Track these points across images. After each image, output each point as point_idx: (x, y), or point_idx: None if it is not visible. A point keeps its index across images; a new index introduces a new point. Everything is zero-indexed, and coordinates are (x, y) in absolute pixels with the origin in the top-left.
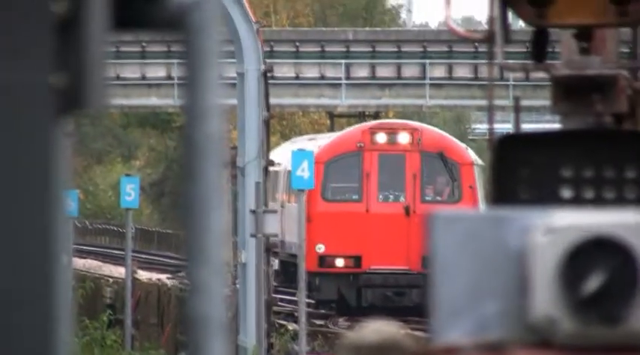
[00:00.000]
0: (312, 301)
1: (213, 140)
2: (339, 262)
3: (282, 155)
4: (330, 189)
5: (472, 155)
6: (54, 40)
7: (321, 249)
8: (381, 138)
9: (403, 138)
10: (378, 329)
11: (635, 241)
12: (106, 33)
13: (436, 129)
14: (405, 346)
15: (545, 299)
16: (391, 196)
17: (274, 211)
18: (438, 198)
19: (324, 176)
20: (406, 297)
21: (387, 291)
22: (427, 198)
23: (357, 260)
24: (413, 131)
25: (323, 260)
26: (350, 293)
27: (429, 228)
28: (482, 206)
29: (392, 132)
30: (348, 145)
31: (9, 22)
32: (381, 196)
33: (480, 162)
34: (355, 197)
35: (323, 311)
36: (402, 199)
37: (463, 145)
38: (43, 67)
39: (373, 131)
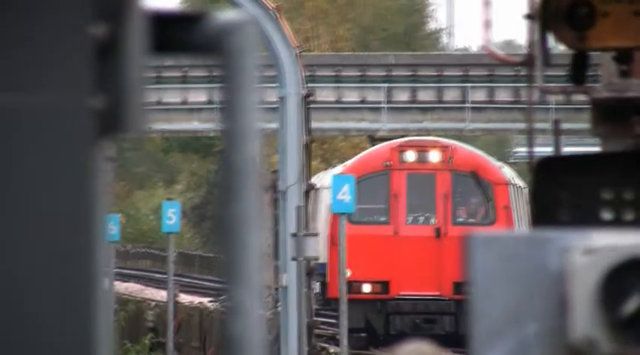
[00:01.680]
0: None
1: (252, 162)
2: (366, 288)
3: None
4: (356, 211)
5: (507, 174)
6: (93, 62)
7: (347, 274)
8: (410, 156)
9: (433, 156)
10: (417, 348)
11: None
12: (144, 56)
13: (468, 147)
14: None
15: (584, 321)
16: (421, 218)
17: (315, 234)
18: (471, 220)
19: None
20: (437, 325)
21: (416, 318)
22: (459, 220)
23: (385, 285)
24: (444, 149)
25: (349, 285)
26: (378, 321)
27: (466, 250)
28: (517, 227)
29: (422, 150)
30: (375, 164)
31: (48, 44)
32: (410, 218)
33: (516, 181)
34: (383, 219)
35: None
36: (432, 221)
37: (498, 164)
38: (82, 90)
39: (402, 149)
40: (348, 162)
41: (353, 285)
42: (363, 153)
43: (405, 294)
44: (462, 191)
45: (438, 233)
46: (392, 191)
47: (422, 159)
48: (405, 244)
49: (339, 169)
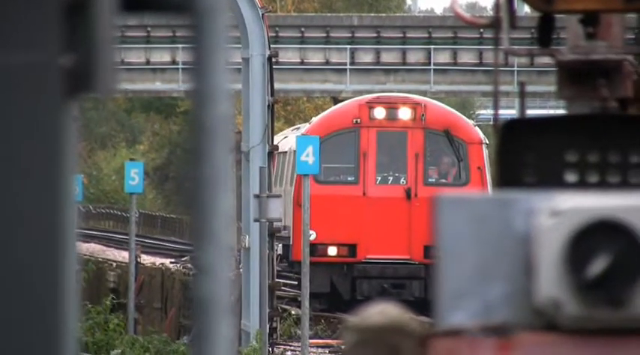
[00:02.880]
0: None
1: (221, 122)
2: (332, 251)
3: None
4: (323, 170)
5: (481, 134)
6: (63, 21)
7: (312, 236)
8: (380, 113)
9: (404, 113)
10: (382, 311)
11: (639, 224)
12: (114, 15)
13: (441, 105)
14: (409, 328)
15: (550, 282)
16: (391, 178)
17: (278, 196)
18: (443, 181)
19: None
20: (406, 290)
21: (384, 283)
22: (431, 181)
23: (352, 249)
24: (415, 106)
25: (314, 248)
26: (343, 285)
27: (434, 211)
28: (491, 189)
29: (392, 106)
30: (343, 121)
31: (16, 3)
32: (379, 178)
33: (487, 141)
34: (351, 179)
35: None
36: (402, 181)
37: (471, 122)
38: (52, 49)
39: (371, 106)
40: (315, 119)
41: (318, 248)
42: (331, 109)
43: (372, 258)
44: (434, 150)
45: (408, 194)
46: (361, 149)
47: (392, 117)
48: (374, 205)
49: (305, 127)
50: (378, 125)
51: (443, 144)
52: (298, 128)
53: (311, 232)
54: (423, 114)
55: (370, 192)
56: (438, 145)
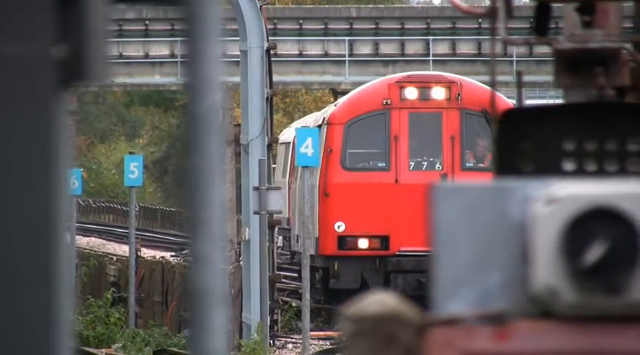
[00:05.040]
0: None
1: (215, 114)
2: (363, 243)
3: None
4: (351, 156)
5: None
6: (55, 12)
7: (340, 227)
8: (412, 93)
9: (438, 93)
10: (379, 300)
11: (636, 211)
12: (107, 6)
13: (477, 83)
14: (406, 317)
15: (547, 270)
16: (425, 163)
17: (278, 188)
18: (481, 165)
19: (343, 140)
20: None
21: (420, 277)
22: (468, 165)
23: (385, 241)
24: (450, 85)
25: (343, 241)
26: (376, 281)
27: (430, 200)
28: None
29: (425, 86)
30: (371, 103)
31: None
32: (412, 164)
33: None
34: (381, 165)
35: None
36: (438, 167)
37: (511, 101)
38: (44, 39)
39: (402, 85)
40: (341, 101)
41: (347, 240)
42: (358, 90)
43: (406, 250)
44: (471, 132)
45: (445, 180)
46: (392, 133)
47: (425, 97)
48: (407, 193)
49: (330, 109)
50: (410, 106)
51: (479, 125)
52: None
53: (339, 223)
54: (458, 94)
55: (403, 179)
56: (476, 127)
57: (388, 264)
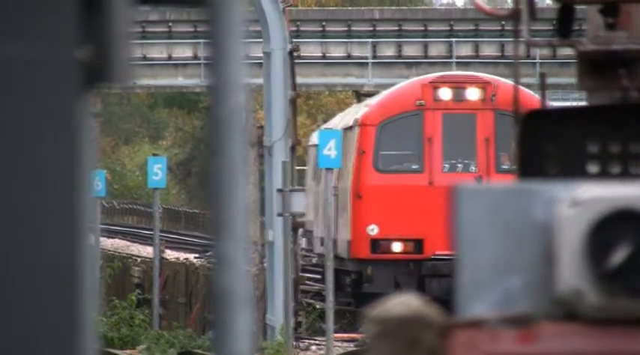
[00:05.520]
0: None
1: (238, 115)
2: (397, 247)
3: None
4: (384, 158)
5: None
6: (79, 14)
7: (373, 230)
8: (446, 94)
9: (472, 93)
10: (404, 301)
11: None
12: (130, 7)
13: (513, 83)
14: (430, 319)
15: (571, 272)
16: (459, 165)
17: (301, 189)
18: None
19: (376, 141)
20: None
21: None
22: (504, 167)
23: (419, 244)
24: (485, 85)
25: (376, 244)
26: (410, 285)
27: (453, 201)
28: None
29: (459, 86)
30: (404, 104)
31: None
32: (446, 165)
33: None
34: (415, 167)
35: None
36: (472, 169)
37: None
38: (68, 41)
39: (435, 86)
40: (372, 101)
41: (380, 244)
42: (390, 90)
43: (442, 254)
44: (506, 133)
45: (479, 182)
46: (425, 134)
47: (459, 97)
48: (442, 195)
49: (362, 109)
50: (444, 107)
51: (513, 126)
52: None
53: (372, 226)
54: (493, 94)
55: (437, 181)
56: (509, 128)
57: (422, 267)
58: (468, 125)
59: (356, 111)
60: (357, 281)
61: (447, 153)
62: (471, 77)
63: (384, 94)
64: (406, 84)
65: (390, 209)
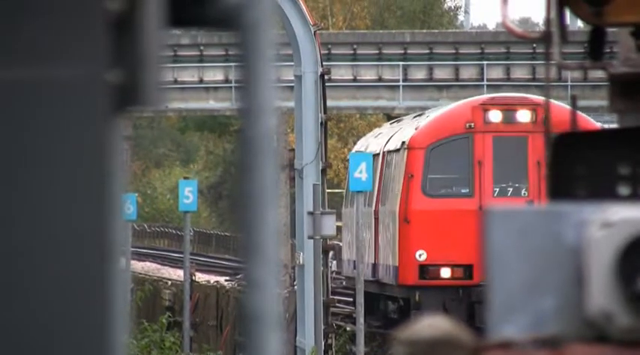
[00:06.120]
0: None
1: (270, 139)
2: (445, 273)
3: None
4: (432, 182)
5: None
6: (109, 36)
7: (422, 256)
8: (496, 116)
9: (524, 116)
10: (433, 323)
11: None
12: (161, 30)
13: (564, 105)
14: (460, 341)
15: (601, 294)
16: (510, 189)
17: (332, 212)
18: None
19: (424, 165)
20: None
21: None
22: None
23: (468, 270)
24: (536, 107)
25: (425, 270)
26: (459, 311)
27: (483, 224)
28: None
29: (509, 108)
30: (454, 126)
31: (64, 19)
32: (497, 190)
33: None
34: (465, 191)
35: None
36: (524, 193)
37: (599, 125)
38: (99, 64)
39: (486, 108)
40: (422, 124)
41: (429, 269)
42: (439, 112)
43: None
44: None
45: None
46: (475, 157)
47: (510, 120)
48: None
49: (410, 131)
50: (494, 129)
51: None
52: (400, 120)
53: (420, 252)
54: (545, 116)
55: (487, 206)
56: None
57: (472, 294)
58: (519, 148)
59: (388, 133)
60: (405, 308)
61: (497, 176)
62: (522, 99)
63: (433, 116)
64: (456, 106)
65: (438, 234)
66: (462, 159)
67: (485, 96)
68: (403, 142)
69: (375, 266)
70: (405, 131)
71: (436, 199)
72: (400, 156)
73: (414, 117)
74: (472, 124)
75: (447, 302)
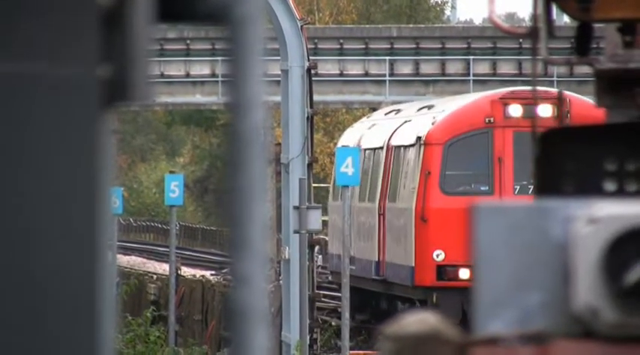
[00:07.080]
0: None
1: (257, 132)
2: (464, 273)
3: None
4: (451, 179)
5: None
6: (99, 32)
7: (439, 256)
8: (517, 111)
9: (545, 110)
10: (420, 319)
11: None
12: (150, 25)
13: (587, 99)
14: (447, 336)
15: (588, 290)
16: (531, 187)
17: (318, 207)
18: None
19: (442, 161)
20: None
21: None
22: None
23: None
24: (557, 101)
25: (443, 271)
26: None
27: (470, 220)
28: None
29: (530, 103)
30: (473, 121)
31: (53, 14)
32: (517, 187)
33: None
34: (484, 188)
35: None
36: None
37: None
38: (89, 60)
39: (506, 102)
40: (439, 118)
41: (447, 270)
42: (458, 106)
43: None
44: None
45: None
46: (495, 153)
47: (530, 114)
48: None
49: (424, 126)
50: (515, 125)
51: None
52: (398, 110)
53: (438, 252)
54: (567, 111)
55: None
56: None
57: None
58: None
59: (390, 125)
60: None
61: (518, 173)
62: (543, 93)
63: (451, 110)
64: (474, 100)
65: (457, 233)
66: (482, 156)
67: (504, 89)
68: (419, 137)
69: (379, 264)
70: (416, 124)
71: (454, 197)
72: (415, 152)
73: (420, 108)
74: (492, 119)
75: (465, 304)
